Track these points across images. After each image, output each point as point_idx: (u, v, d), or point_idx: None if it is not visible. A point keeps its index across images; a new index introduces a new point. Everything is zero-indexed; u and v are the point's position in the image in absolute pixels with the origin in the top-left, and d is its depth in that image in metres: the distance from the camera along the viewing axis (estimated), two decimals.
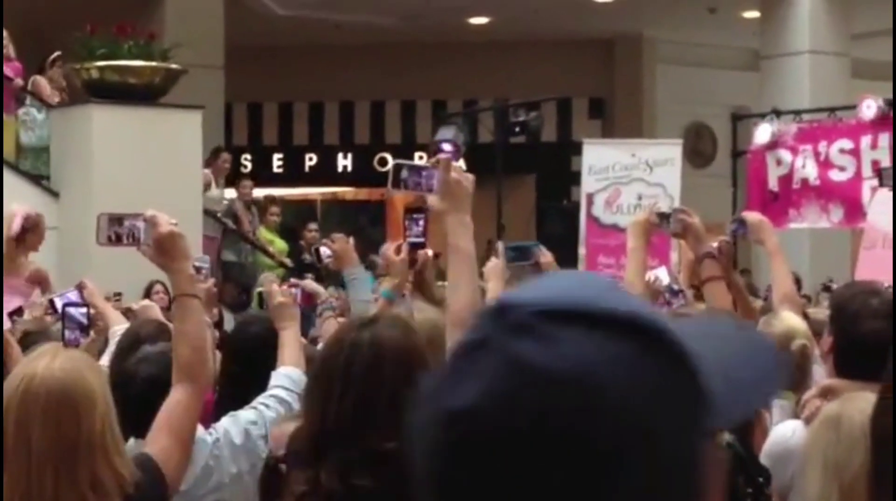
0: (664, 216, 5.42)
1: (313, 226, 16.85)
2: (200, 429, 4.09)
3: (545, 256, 5.64)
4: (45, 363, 2.85)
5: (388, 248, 5.88)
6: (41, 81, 14.70)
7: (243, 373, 4.89)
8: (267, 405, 4.34)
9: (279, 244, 16.34)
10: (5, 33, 14.07)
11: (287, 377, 4.50)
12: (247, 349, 5.07)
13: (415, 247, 5.63)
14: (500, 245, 5.49)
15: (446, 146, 5.69)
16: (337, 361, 2.87)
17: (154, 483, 3.13)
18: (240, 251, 15.81)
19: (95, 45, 13.17)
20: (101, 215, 3.60)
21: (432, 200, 3.45)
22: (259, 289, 5.40)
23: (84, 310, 4.80)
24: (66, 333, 4.69)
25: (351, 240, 6.18)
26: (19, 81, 14.38)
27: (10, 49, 14.45)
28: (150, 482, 3.03)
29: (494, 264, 5.47)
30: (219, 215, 15.52)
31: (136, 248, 3.56)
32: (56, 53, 14.35)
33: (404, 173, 3.53)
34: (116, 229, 3.57)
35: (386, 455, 2.77)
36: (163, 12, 17.87)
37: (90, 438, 2.79)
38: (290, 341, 4.77)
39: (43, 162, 13.72)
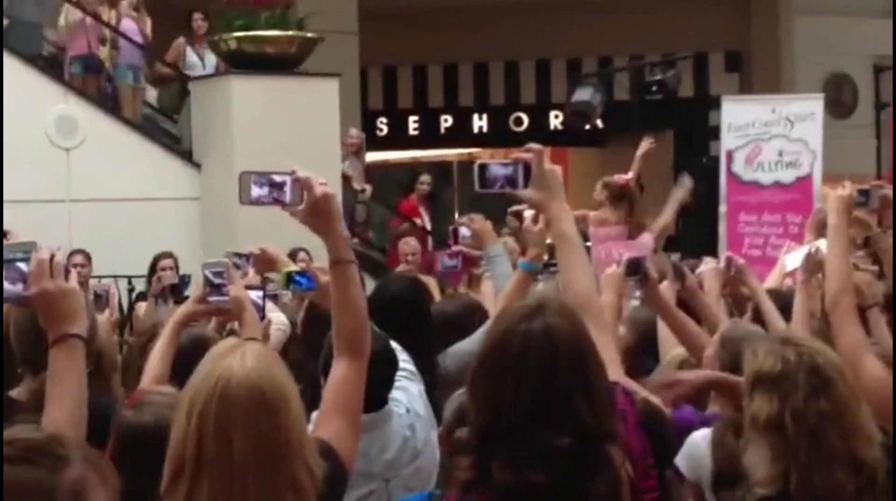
0: (863, 193, 5.14)
1: (425, 179, 16.39)
2: (389, 404, 4.18)
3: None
4: (238, 363, 2.73)
5: (526, 217, 5.78)
6: None
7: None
8: (411, 380, 4.42)
9: None
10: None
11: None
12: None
13: None
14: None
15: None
16: (509, 352, 2.82)
17: (337, 471, 3.06)
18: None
19: (233, 16, 13.30)
20: (243, 174, 3.36)
21: (528, 192, 3.45)
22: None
23: (259, 294, 4.72)
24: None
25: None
26: None
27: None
28: (333, 470, 2.94)
29: (612, 273, 4.93)
30: None
31: (282, 208, 3.35)
32: None
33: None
34: (259, 189, 3.33)
35: (561, 451, 2.75)
36: None
37: (288, 439, 2.71)
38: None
39: None
